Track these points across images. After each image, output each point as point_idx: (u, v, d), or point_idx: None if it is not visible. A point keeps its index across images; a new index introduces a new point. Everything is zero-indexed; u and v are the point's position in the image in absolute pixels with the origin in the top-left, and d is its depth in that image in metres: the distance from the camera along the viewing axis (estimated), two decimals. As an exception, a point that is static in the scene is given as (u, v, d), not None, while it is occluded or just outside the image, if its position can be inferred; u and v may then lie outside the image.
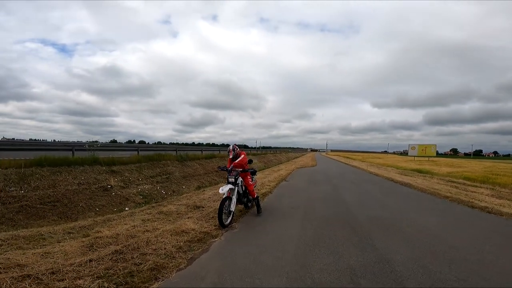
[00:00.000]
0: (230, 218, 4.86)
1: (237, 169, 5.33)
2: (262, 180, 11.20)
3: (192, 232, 4.24)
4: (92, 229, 4.64)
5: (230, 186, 5.01)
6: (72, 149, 11.53)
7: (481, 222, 5.39)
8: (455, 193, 9.78)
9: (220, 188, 4.89)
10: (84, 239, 4.06)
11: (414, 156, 41.93)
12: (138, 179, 11.54)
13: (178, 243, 3.84)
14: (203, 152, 22.01)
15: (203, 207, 6.28)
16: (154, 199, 10.09)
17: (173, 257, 3.39)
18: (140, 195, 10.31)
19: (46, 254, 3.45)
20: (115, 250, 3.54)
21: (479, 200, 7.79)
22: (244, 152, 5.76)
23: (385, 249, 3.80)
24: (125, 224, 4.85)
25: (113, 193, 9.47)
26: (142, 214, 5.72)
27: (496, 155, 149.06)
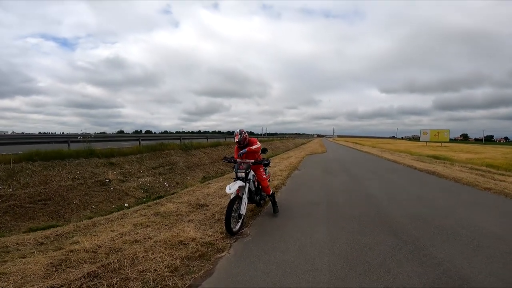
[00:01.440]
0: (240, 223, 3.92)
1: (248, 161, 4.34)
2: (273, 169, 10.22)
3: (193, 244, 3.31)
4: (70, 238, 3.77)
5: (239, 183, 4.04)
6: (68, 141, 10.66)
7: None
8: (483, 182, 8.73)
9: (227, 187, 3.89)
10: (55, 253, 3.19)
11: (426, 142, 40.35)
12: (139, 171, 10.71)
13: (174, 261, 2.92)
14: (208, 140, 21.15)
15: (208, 206, 5.35)
16: (157, 193, 9.28)
17: (165, 285, 2.48)
18: (141, 188, 9.48)
19: (-2, 278, 2.59)
20: (88, 273, 2.65)
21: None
22: (256, 139, 4.68)
23: (450, 262, 2.84)
24: (111, 230, 3.96)
25: (112, 188, 8.64)
26: (135, 216, 4.82)
27: (507, 140, 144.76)
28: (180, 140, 17.11)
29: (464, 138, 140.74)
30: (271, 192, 4.82)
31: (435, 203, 5.49)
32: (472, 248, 3.25)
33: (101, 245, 3.37)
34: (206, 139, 21.11)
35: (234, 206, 3.82)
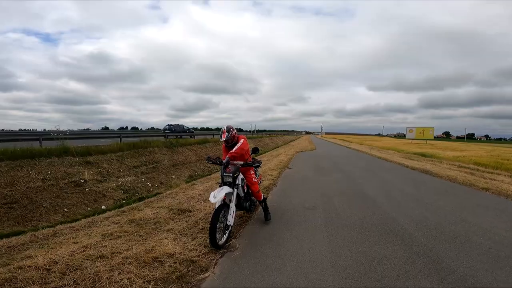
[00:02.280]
0: (227, 235, 3.39)
1: (236, 163, 3.75)
2: (263, 168, 9.71)
3: (170, 261, 2.75)
4: (23, 251, 3.13)
5: (226, 189, 3.44)
6: (40, 138, 9.75)
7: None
8: (473, 180, 8.61)
9: (212, 195, 3.29)
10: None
11: (412, 139, 41.05)
12: (119, 171, 9.94)
13: (145, 284, 2.37)
14: (195, 137, 20.45)
15: (191, 211, 4.76)
16: (138, 193, 8.60)
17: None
18: (121, 189, 8.74)
19: None
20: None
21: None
22: (244, 136, 4.10)
23: (473, 277, 2.46)
24: (74, 242, 3.33)
25: (87, 189, 7.89)
26: (105, 223, 4.18)
27: (487, 138, 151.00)
28: (166, 137, 16.37)
29: (447, 136, 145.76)
30: (262, 198, 4.24)
31: (437, 205, 5.14)
32: (492, 259, 2.87)
33: (57, 261, 2.77)
34: (193, 136, 20.44)
35: (220, 216, 3.27)
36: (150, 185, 9.74)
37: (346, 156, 17.06)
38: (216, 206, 3.32)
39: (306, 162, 13.23)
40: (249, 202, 4.11)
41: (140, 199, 7.07)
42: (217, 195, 3.26)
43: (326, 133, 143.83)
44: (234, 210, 3.53)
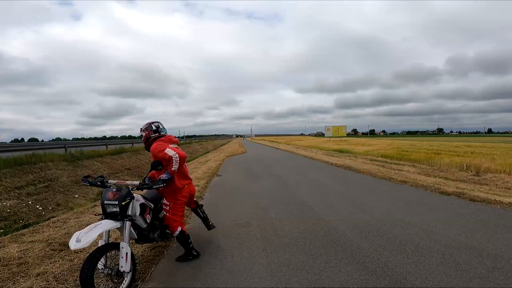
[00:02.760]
0: (126, 283, 2.32)
1: (127, 183, 2.69)
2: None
3: None
4: None
5: (105, 225, 2.33)
6: None
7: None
8: (387, 172, 9.50)
9: (74, 238, 2.11)
10: None
11: (330, 137, 45.59)
12: (-9, 195, 7.35)
13: None
14: (108, 146, 17.48)
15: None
16: (23, 219, 6.47)
17: None
18: (-7, 218, 6.35)
19: None
20: None
21: (444, 185, 7.28)
22: (166, 143, 2.92)
23: None
24: None
25: None
26: None
27: (384, 133, 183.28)
28: (66, 149, 13.36)
29: (355, 133, 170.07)
30: (178, 230, 2.98)
31: (372, 206, 4.99)
32: (453, 268, 2.54)
33: None
34: (105, 146, 17.40)
35: (102, 262, 2.19)
36: (41, 208, 7.58)
37: (276, 158, 17.18)
38: (97, 246, 2.25)
39: (237, 167, 12.54)
40: (160, 229, 2.96)
41: (25, 227, 5.30)
42: (83, 238, 2.08)
43: (256, 136, 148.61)
44: (130, 252, 2.39)
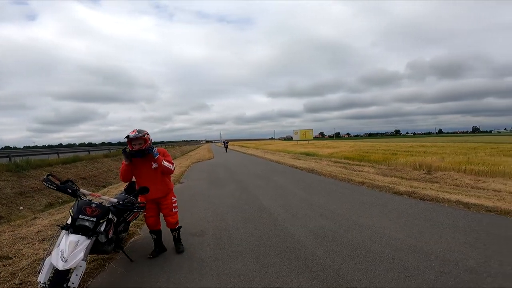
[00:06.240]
0: None
1: (107, 199, 2.70)
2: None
3: None
4: None
5: (86, 241, 2.22)
6: None
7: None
8: (349, 174, 9.79)
9: (57, 253, 2.03)
10: None
11: (297, 141, 46.66)
12: None
13: None
14: (60, 155, 16.01)
15: (10, 258, 3.07)
16: None
17: None
18: None
19: None
20: None
21: (399, 184, 7.56)
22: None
23: None
24: None
25: None
26: None
27: (349, 135, 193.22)
28: (10, 158, 11.96)
29: (322, 136, 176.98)
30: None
31: (330, 209, 4.97)
32: (401, 274, 2.49)
33: None
34: (57, 154, 15.88)
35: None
36: (-28, 225, 6.54)
37: (242, 163, 16.96)
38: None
39: (201, 173, 12.09)
40: (115, 242, 2.79)
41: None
42: (70, 258, 1.99)
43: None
44: (84, 268, 2.15)
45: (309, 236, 3.63)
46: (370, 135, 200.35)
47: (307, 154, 21.51)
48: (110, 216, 2.60)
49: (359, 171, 10.42)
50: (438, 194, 5.62)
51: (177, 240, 3.44)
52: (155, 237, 3.28)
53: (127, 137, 2.85)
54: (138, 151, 2.89)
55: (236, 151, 36.16)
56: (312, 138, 50.55)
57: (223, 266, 2.89)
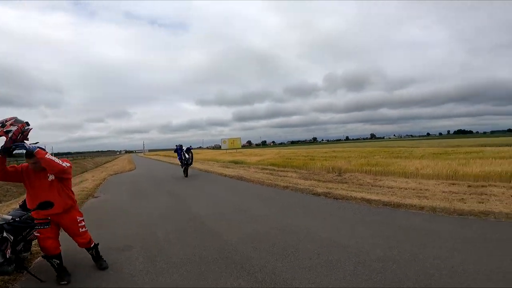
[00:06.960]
0: None
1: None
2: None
3: None
4: None
5: None
6: None
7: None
8: (275, 179, 10.51)
9: None
10: None
11: (226, 149, 46.98)
12: None
13: None
14: None
15: None
16: None
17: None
18: None
19: None
20: None
21: (333, 188, 8.36)
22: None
23: None
24: None
25: None
26: None
27: (274, 144, 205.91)
28: None
29: (249, 144, 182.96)
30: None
31: (260, 214, 5.22)
32: (328, 267, 2.83)
33: None
34: None
35: None
36: None
37: (168, 173, 16.05)
38: None
39: (121, 185, 10.89)
40: (16, 263, 2.52)
41: None
42: None
43: (150, 151, 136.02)
44: None
45: (244, 241, 3.75)
46: (293, 143, 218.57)
47: (236, 162, 21.88)
48: (5, 234, 2.33)
49: (284, 176, 11.23)
50: (348, 193, 6.58)
51: (96, 258, 3.05)
52: (58, 262, 2.77)
53: None
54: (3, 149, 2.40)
55: (162, 161, 33.92)
56: (240, 147, 51.70)
57: (157, 279, 2.76)
